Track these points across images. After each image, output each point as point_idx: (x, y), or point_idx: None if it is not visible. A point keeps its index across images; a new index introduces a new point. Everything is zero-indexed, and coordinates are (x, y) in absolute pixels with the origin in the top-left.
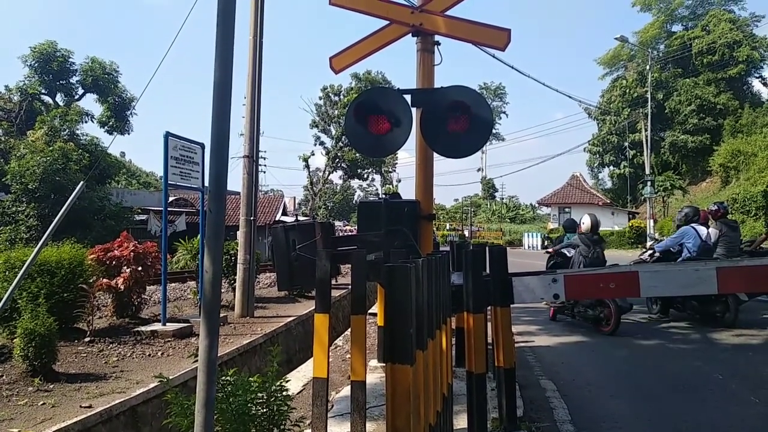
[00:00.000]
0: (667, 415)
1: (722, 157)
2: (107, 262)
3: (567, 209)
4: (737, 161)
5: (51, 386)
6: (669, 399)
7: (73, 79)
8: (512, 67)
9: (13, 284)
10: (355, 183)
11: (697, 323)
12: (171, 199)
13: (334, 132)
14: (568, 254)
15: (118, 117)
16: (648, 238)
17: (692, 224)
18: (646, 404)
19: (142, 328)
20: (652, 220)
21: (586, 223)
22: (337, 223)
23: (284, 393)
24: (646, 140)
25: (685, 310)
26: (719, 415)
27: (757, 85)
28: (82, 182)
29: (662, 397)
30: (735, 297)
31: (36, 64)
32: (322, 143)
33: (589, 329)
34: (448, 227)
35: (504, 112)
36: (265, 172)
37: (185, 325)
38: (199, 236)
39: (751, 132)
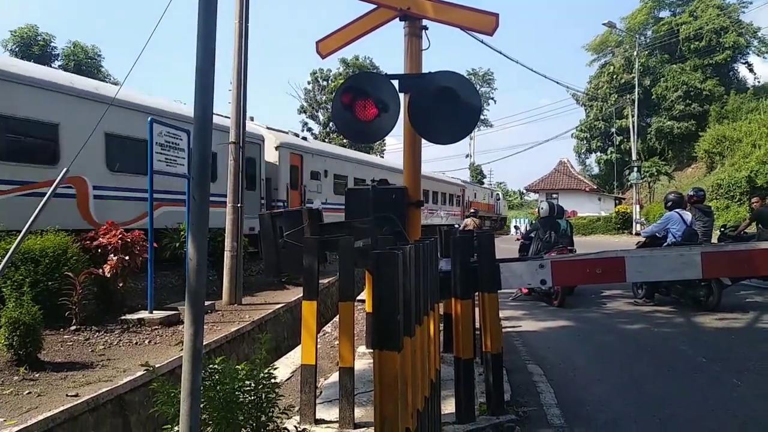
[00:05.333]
0: (651, 397)
1: (707, 143)
2: (93, 250)
3: (554, 195)
4: (722, 147)
5: (37, 375)
6: (653, 382)
7: (55, 64)
8: (500, 53)
9: None
10: None
11: (681, 307)
12: None
13: (321, 118)
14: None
15: None
16: (638, 224)
17: (677, 210)
18: (631, 387)
19: (129, 316)
20: (638, 206)
21: (543, 208)
22: None
23: (272, 380)
24: (633, 126)
25: (670, 295)
26: (703, 397)
27: (743, 71)
28: (65, 169)
29: (647, 381)
30: (719, 281)
31: (17, 49)
32: (309, 129)
33: (575, 314)
34: None
35: (492, 98)
36: None
37: (172, 312)
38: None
39: (736, 118)
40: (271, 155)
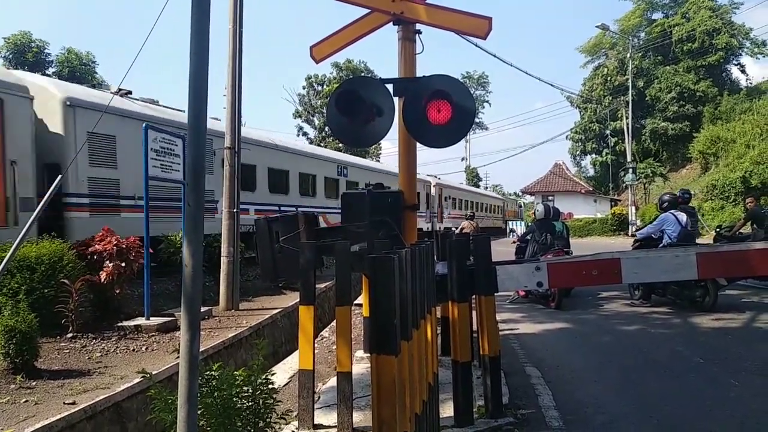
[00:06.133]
0: (649, 398)
1: (702, 143)
2: (89, 257)
3: (550, 197)
4: (716, 148)
5: (33, 383)
6: (651, 383)
7: (49, 71)
8: (494, 56)
9: None
10: None
11: (677, 308)
12: None
13: (317, 122)
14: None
15: None
16: (632, 226)
17: (672, 211)
18: (628, 389)
19: (126, 323)
20: (633, 207)
21: (539, 210)
22: None
23: (270, 386)
24: (627, 128)
25: (666, 296)
26: (700, 398)
27: (735, 72)
28: (60, 175)
29: (644, 382)
30: (714, 282)
31: (10, 56)
32: (305, 134)
33: (572, 316)
34: None
35: (487, 101)
36: None
37: (169, 319)
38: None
39: (729, 119)
40: (433, 191)
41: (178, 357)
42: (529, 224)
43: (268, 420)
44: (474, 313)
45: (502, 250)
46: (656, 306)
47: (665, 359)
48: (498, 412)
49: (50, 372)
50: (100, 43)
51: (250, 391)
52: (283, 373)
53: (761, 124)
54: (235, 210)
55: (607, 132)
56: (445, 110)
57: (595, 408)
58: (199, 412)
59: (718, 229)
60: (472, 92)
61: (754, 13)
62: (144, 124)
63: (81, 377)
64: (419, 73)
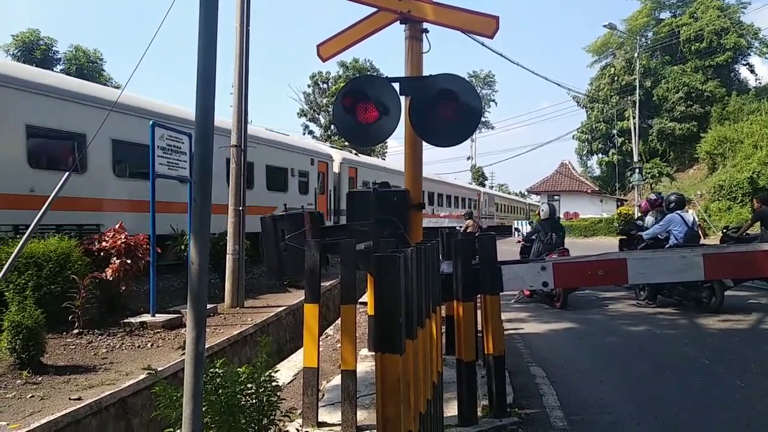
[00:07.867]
0: (654, 399)
1: (709, 144)
2: (96, 254)
3: (556, 197)
4: (724, 148)
5: (39, 379)
6: (657, 383)
7: (57, 69)
8: (501, 55)
9: None
10: None
11: (684, 309)
12: None
13: (323, 121)
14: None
15: None
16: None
17: (678, 211)
18: (634, 389)
19: (132, 320)
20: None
21: (544, 210)
22: None
23: (274, 384)
24: (634, 128)
25: (672, 296)
26: (706, 398)
27: (744, 72)
28: (67, 173)
29: (650, 382)
30: (721, 283)
31: (18, 54)
32: (310, 132)
33: (578, 316)
34: None
35: (493, 100)
36: None
37: (175, 316)
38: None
39: (737, 119)
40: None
41: (184, 354)
42: (533, 224)
43: (272, 417)
44: (479, 312)
45: (507, 249)
46: (662, 306)
47: (671, 360)
48: (502, 412)
49: (56, 368)
50: (108, 41)
51: (254, 388)
52: (287, 370)
53: None
54: (241, 208)
55: (614, 132)
56: (451, 109)
57: (600, 408)
58: (203, 408)
59: (725, 230)
60: (478, 91)
61: (763, 13)
62: (151, 122)
63: (87, 373)
64: (426, 72)
